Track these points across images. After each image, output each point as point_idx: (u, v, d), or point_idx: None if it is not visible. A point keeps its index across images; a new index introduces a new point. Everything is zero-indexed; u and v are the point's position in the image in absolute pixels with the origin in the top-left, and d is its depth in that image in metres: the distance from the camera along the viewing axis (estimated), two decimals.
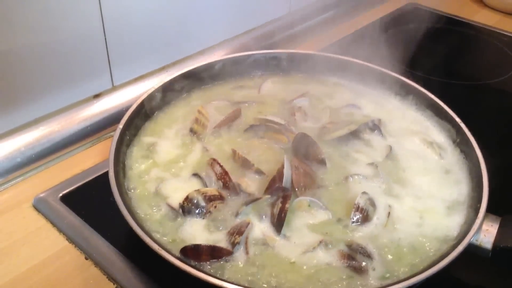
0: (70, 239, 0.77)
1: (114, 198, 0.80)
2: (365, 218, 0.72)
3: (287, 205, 0.70)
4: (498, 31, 1.50)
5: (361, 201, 0.72)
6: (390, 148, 0.85)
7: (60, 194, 0.84)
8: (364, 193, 0.73)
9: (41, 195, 0.84)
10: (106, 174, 0.87)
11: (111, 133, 1.00)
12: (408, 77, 1.02)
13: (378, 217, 0.72)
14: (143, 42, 1.02)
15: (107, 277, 0.72)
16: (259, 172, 0.78)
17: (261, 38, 1.29)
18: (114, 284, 0.71)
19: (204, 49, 1.17)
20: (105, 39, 0.94)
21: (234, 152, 0.81)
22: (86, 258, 0.75)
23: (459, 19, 1.57)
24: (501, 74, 1.30)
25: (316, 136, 0.84)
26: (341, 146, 0.84)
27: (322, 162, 0.80)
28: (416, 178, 0.81)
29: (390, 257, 0.68)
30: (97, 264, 0.74)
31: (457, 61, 1.37)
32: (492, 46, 1.45)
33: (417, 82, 1.07)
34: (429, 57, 1.35)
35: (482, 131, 0.88)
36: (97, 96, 0.99)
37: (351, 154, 0.83)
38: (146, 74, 1.06)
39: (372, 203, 0.73)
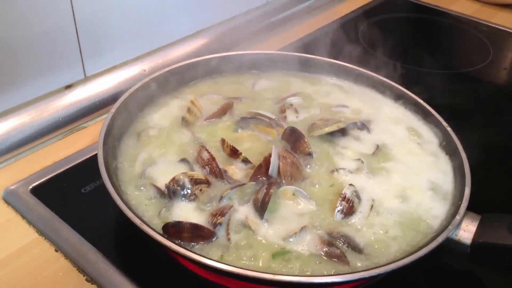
0: (40, 232, 0.76)
1: (90, 187, 0.82)
2: (350, 208, 0.72)
3: (271, 191, 0.71)
4: (476, 20, 1.51)
5: (347, 192, 0.73)
6: (377, 146, 0.86)
7: (31, 186, 0.83)
8: (351, 185, 0.74)
9: (11, 187, 0.83)
10: (77, 166, 0.88)
11: (84, 125, 0.98)
12: (388, 69, 1.03)
13: (361, 210, 0.74)
14: (115, 32, 1.01)
15: (77, 269, 0.71)
16: (246, 161, 0.78)
17: (238, 28, 1.28)
18: (84, 276, 0.70)
19: (179, 39, 1.16)
20: (76, 28, 0.93)
21: (223, 141, 0.82)
22: (56, 250, 0.74)
23: (437, 8, 1.58)
24: (478, 63, 1.31)
25: (306, 131, 0.86)
26: (329, 142, 0.86)
27: (309, 155, 0.81)
28: (404, 163, 0.84)
29: (371, 244, 0.69)
30: (67, 256, 0.73)
31: (435, 50, 1.37)
32: (470, 35, 1.46)
33: (395, 72, 1.08)
34: (407, 46, 1.35)
35: (460, 119, 0.90)
36: (69, 87, 0.98)
37: (338, 150, 0.84)
38: (120, 65, 1.05)
39: (358, 196, 0.74)
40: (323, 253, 0.67)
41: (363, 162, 0.81)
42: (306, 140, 0.81)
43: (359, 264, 0.66)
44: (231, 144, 0.80)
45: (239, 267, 0.60)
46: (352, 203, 0.73)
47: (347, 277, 0.61)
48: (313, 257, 0.67)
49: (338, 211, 0.72)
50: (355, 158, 0.83)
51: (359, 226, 0.71)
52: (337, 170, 0.80)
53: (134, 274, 0.70)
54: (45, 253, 0.73)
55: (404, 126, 0.92)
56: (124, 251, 0.74)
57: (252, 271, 0.60)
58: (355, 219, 0.72)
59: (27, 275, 0.70)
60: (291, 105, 0.93)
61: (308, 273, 0.65)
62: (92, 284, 0.69)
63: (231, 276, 0.62)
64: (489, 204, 0.81)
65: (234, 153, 0.79)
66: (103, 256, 0.72)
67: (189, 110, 0.88)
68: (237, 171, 0.78)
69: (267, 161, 0.75)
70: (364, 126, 0.90)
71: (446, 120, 0.88)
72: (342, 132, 0.87)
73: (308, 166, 0.80)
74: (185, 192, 0.72)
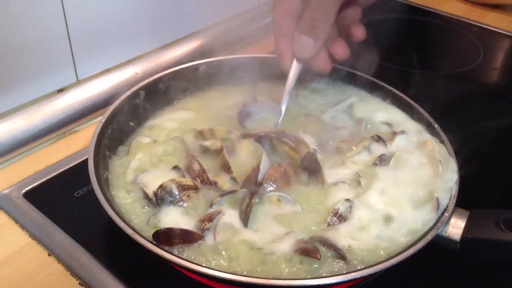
0: (33, 236, 0.76)
1: (83, 191, 0.82)
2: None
3: (253, 200, 0.70)
4: (466, 21, 1.52)
5: (341, 207, 0.71)
6: (381, 156, 0.82)
7: (23, 191, 0.83)
8: (347, 200, 0.73)
9: (4, 192, 0.83)
10: (70, 170, 0.88)
11: (76, 128, 0.98)
12: (378, 69, 1.04)
13: (350, 223, 0.71)
14: (107, 35, 1.01)
15: (70, 273, 0.71)
16: (234, 179, 0.77)
17: (231, 31, 1.28)
18: (77, 280, 0.70)
19: (172, 42, 1.16)
20: (68, 32, 0.93)
21: (220, 150, 0.80)
22: (49, 255, 0.74)
23: (428, 9, 1.58)
24: (469, 64, 1.32)
25: (336, 159, 0.82)
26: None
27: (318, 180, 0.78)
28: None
29: (354, 250, 0.68)
30: (60, 260, 0.73)
31: (426, 51, 1.38)
32: (461, 36, 1.46)
33: (386, 73, 1.09)
34: (397, 47, 1.36)
35: (450, 119, 0.90)
36: (61, 90, 0.98)
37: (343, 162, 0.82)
38: (112, 68, 1.05)
39: (350, 211, 0.72)
40: (306, 256, 0.66)
41: (360, 176, 0.78)
42: (322, 173, 0.77)
43: (343, 269, 0.66)
44: (227, 160, 0.78)
45: (232, 273, 0.61)
46: (344, 220, 0.71)
47: (338, 279, 0.62)
48: (296, 260, 0.66)
49: (327, 225, 0.70)
50: (355, 170, 0.80)
51: (345, 235, 0.70)
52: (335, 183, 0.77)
53: (127, 278, 0.70)
54: (38, 257, 0.73)
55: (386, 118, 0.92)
56: (117, 255, 0.74)
57: (246, 277, 0.61)
58: (342, 229, 0.70)
59: (20, 280, 0.70)
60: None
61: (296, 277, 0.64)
62: None
63: (223, 282, 0.63)
64: (477, 200, 0.81)
65: (227, 168, 0.78)
66: (96, 260, 0.72)
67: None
68: (227, 182, 0.77)
69: (255, 171, 0.74)
70: (380, 138, 0.85)
71: (435, 119, 0.88)
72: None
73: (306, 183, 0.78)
74: (172, 199, 0.72)
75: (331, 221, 0.70)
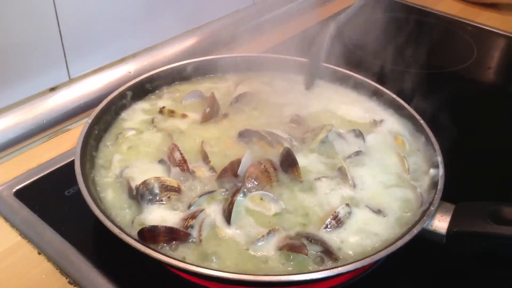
0: (23, 234, 0.76)
1: (74, 190, 0.82)
2: (337, 225, 0.72)
3: (235, 198, 0.71)
4: (460, 20, 1.52)
5: (341, 212, 0.72)
6: (358, 151, 0.85)
7: (14, 189, 0.83)
8: (347, 205, 0.73)
9: None
10: (61, 169, 0.88)
11: (68, 127, 0.99)
12: (370, 67, 1.04)
13: (345, 228, 0.72)
14: (99, 34, 1.01)
15: (59, 272, 0.71)
16: (212, 169, 0.78)
17: (224, 29, 1.28)
18: (66, 278, 0.70)
19: (165, 41, 1.16)
20: (60, 30, 0.93)
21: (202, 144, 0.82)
22: (39, 253, 0.74)
23: (423, 8, 1.59)
24: (462, 62, 1.32)
25: (300, 148, 0.84)
26: (323, 150, 0.85)
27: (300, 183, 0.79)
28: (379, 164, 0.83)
29: (344, 249, 0.69)
30: (50, 258, 0.73)
31: (419, 50, 1.38)
32: (455, 35, 1.47)
33: (379, 72, 1.09)
34: (391, 46, 1.36)
35: (442, 117, 0.91)
36: (53, 89, 0.98)
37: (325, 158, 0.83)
38: (104, 66, 1.05)
39: (348, 217, 0.73)
40: (293, 252, 0.67)
41: (345, 170, 0.79)
42: (298, 167, 0.78)
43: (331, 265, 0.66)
44: (206, 151, 0.81)
45: (221, 271, 0.61)
46: (342, 224, 0.72)
47: (325, 273, 0.62)
48: (284, 256, 0.67)
49: (325, 227, 0.71)
50: (339, 166, 0.81)
51: (336, 235, 0.71)
52: (317, 179, 0.79)
53: (117, 276, 0.70)
54: (28, 256, 0.74)
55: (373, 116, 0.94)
56: (106, 254, 0.74)
57: (234, 274, 0.61)
58: (335, 231, 0.71)
59: (10, 278, 0.71)
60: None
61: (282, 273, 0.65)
62: (75, 286, 0.69)
63: (211, 280, 0.63)
64: (463, 194, 0.81)
65: (205, 158, 0.80)
66: (86, 259, 0.72)
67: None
68: (205, 172, 0.78)
69: (233, 164, 0.76)
70: (361, 134, 0.88)
71: (428, 118, 0.89)
72: (340, 138, 0.87)
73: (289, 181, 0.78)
74: (151, 197, 0.72)
75: (330, 224, 0.71)
